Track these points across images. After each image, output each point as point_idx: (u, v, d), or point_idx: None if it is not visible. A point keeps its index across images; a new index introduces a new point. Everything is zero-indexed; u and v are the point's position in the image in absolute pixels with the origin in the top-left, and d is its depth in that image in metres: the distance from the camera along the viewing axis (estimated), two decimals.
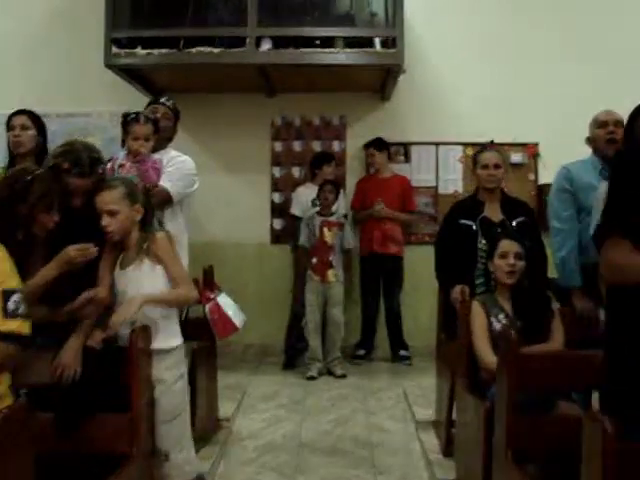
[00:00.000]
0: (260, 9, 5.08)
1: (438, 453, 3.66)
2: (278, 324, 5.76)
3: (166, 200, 3.48)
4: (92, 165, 2.68)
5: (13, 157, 3.63)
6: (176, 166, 3.58)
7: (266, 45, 5.13)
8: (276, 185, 6.25)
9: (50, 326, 2.52)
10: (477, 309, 3.14)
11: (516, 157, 6.04)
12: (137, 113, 3.48)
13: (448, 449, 3.58)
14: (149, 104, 3.90)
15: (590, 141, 3.68)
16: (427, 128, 6.11)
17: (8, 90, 5.75)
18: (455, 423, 3.47)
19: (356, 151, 6.19)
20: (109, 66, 5.21)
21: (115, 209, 2.64)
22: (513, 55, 6.03)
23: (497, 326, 3.08)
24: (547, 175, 5.75)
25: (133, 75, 5.53)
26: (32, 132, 3.61)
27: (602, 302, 2.82)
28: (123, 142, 3.59)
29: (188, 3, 5.15)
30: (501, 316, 3.11)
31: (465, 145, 6.09)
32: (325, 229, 5.37)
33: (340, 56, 5.17)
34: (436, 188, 6.17)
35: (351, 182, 6.12)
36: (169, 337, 2.75)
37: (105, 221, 2.63)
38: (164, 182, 3.47)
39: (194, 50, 5.11)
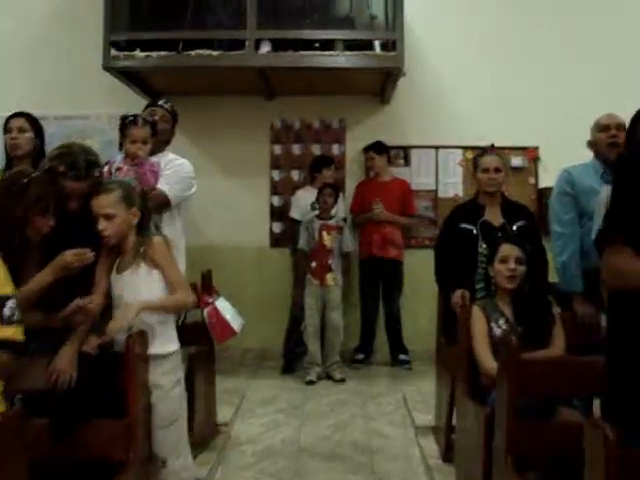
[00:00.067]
0: (259, 12, 5.06)
1: (438, 459, 3.64)
2: (277, 328, 5.73)
3: (164, 203, 3.46)
4: (88, 168, 2.66)
5: (10, 160, 3.63)
6: (174, 169, 3.55)
7: (265, 48, 5.11)
8: (275, 188, 6.22)
9: (45, 332, 2.50)
10: (477, 314, 3.11)
11: (516, 161, 6.02)
12: (135, 116, 3.46)
13: (448, 455, 3.56)
14: (147, 107, 3.88)
15: (592, 145, 3.66)
16: (427, 131, 6.09)
17: (7, 92, 5.73)
18: (455, 428, 3.45)
19: (356, 154, 6.17)
20: (107, 68, 5.19)
21: (111, 213, 2.61)
22: (513, 57, 6.02)
23: (497, 331, 3.05)
24: (547, 179, 5.73)
25: (132, 78, 5.51)
26: (29, 135, 3.61)
27: (603, 307, 2.81)
28: (121, 145, 3.57)
29: (187, 6, 5.13)
30: (501, 321, 3.08)
31: (465, 149, 6.06)
32: (324, 233, 5.35)
33: (340, 59, 5.15)
34: (436, 192, 6.15)
35: (350, 186, 6.09)
36: (166, 342, 2.73)
37: (101, 225, 2.60)
38: (162, 185, 3.45)
39: (193, 53, 5.10)
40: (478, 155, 3.96)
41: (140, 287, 2.64)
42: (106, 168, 3.39)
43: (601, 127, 3.61)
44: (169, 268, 2.69)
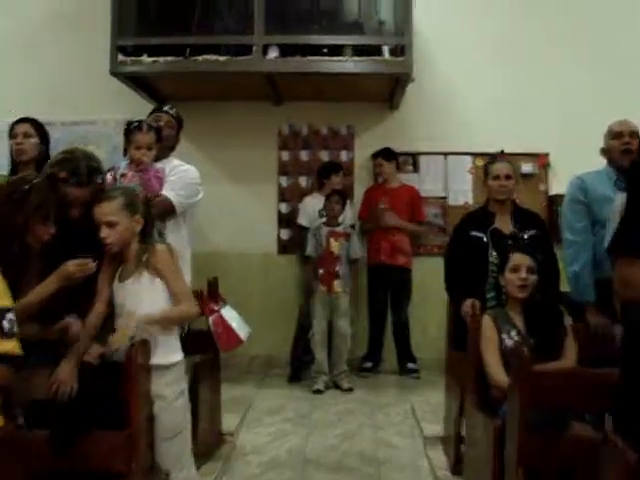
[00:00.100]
0: (267, 17, 5.02)
1: (446, 470, 3.58)
2: (284, 335, 5.68)
3: (168, 210, 3.41)
4: (90, 174, 2.62)
5: (16, 165, 3.62)
6: (179, 175, 3.50)
7: (273, 53, 5.07)
8: (283, 195, 6.17)
9: (45, 344, 2.46)
10: (488, 324, 3.05)
11: (526, 167, 5.95)
12: (140, 121, 3.42)
13: (457, 467, 3.50)
14: (152, 112, 3.84)
15: (605, 152, 3.60)
16: (436, 138, 6.03)
17: (13, 97, 5.70)
18: (464, 440, 3.39)
19: (364, 161, 6.12)
20: (115, 74, 5.16)
21: (114, 220, 2.57)
22: (523, 63, 5.95)
23: (508, 342, 2.99)
24: (558, 185, 5.68)
25: (139, 83, 5.48)
26: (35, 140, 3.59)
27: (617, 318, 2.75)
28: (125, 151, 3.53)
29: (194, 11, 5.10)
30: (513, 332, 3.02)
31: (474, 155, 6.00)
32: (332, 239, 5.30)
33: (348, 64, 5.10)
34: (445, 199, 6.09)
35: (359, 192, 6.04)
36: (169, 352, 2.67)
37: (104, 233, 2.56)
38: (166, 192, 3.40)
39: (200, 58, 5.06)
40: (489, 162, 3.90)
41: (142, 296, 2.60)
42: (111, 174, 3.36)
43: (614, 134, 3.55)
44: (173, 278, 2.64)
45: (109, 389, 2.48)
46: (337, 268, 5.29)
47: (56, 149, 3.29)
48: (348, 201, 5.65)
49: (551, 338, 3.00)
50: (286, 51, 5.10)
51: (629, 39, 5.84)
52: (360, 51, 5.14)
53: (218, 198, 5.70)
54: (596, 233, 3.44)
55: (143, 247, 2.64)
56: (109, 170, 3.43)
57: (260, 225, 6.12)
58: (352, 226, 5.62)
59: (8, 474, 2.09)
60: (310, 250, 5.38)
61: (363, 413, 4.67)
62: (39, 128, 3.62)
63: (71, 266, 2.44)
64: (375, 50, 5.13)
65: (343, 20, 5.34)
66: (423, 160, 6.11)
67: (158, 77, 5.40)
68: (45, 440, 2.38)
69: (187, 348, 2.88)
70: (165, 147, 3.58)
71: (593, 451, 2.06)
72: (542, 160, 6.02)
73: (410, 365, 5.71)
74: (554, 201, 5.72)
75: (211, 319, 3.63)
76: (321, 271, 5.30)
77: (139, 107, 5.45)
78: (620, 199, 2.47)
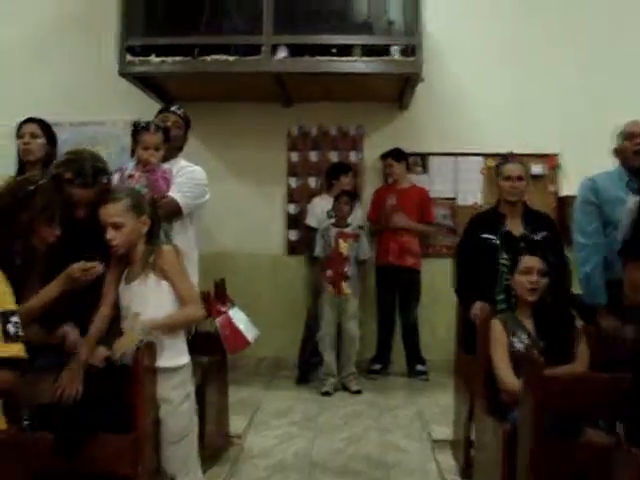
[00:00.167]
0: (276, 17, 4.99)
1: (456, 474, 3.55)
2: (292, 337, 5.65)
3: (175, 211, 3.38)
4: (95, 175, 2.60)
5: (23, 165, 3.61)
6: (186, 176, 3.48)
7: (282, 53, 5.03)
8: (292, 196, 6.15)
9: (50, 347, 2.44)
10: (498, 328, 3.01)
11: (536, 168, 5.87)
12: (147, 122, 3.40)
13: (466, 471, 3.46)
14: (159, 112, 3.81)
15: (617, 152, 3.56)
16: (446, 138, 5.99)
17: (21, 98, 5.69)
18: (474, 443, 3.35)
19: (373, 162, 6.08)
20: (123, 74, 5.14)
21: (120, 222, 2.54)
22: (534, 63, 5.90)
23: (519, 346, 2.95)
24: (568, 186, 5.64)
25: (147, 83, 5.46)
26: (42, 140, 3.59)
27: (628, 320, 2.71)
28: (133, 152, 3.51)
29: (203, 11, 5.07)
30: (523, 335, 2.98)
31: (485, 156, 5.95)
32: (341, 240, 5.26)
33: (357, 64, 5.06)
34: (455, 200, 6.05)
35: (368, 193, 6.01)
36: (175, 355, 2.65)
37: (110, 234, 2.53)
38: (173, 193, 3.37)
39: (209, 58, 5.03)
40: (500, 163, 3.87)
41: (149, 298, 2.57)
42: (117, 175, 3.34)
43: (626, 135, 3.52)
44: (179, 280, 2.61)
45: (115, 392, 2.45)
46: (346, 269, 5.25)
47: (64, 150, 3.28)
48: (357, 202, 5.63)
49: (562, 341, 2.96)
50: (295, 51, 5.06)
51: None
52: (369, 51, 5.09)
53: (227, 199, 5.69)
54: (608, 235, 3.40)
55: (149, 248, 2.61)
56: (117, 171, 3.42)
57: (269, 226, 6.10)
58: (361, 227, 5.58)
59: (12, 476, 2.07)
60: (318, 251, 5.36)
61: (371, 416, 4.64)
62: (46, 129, 3.62)
63: (76, 270, 2.42)
64: (384, 50, 5.09)
65: (352, 20, 5.31)
66: (433, 161, 6.07)
67: (166, 77, 5.38)
68: (50, 443, 2.36)
69: (194, 350, 2.86)
70: (173, 147, 3.55)
71: (606, 457, 2.03)
72: (552, 161, 5.97)
73: (419, 367, 5.67)
74: (564, 202, 5.67)
75: (218, 321, 3.60)
76: (330, 272, 5.27)
77: (148, 108, 5.42)
78: (632, 201, 2.43)
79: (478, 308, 3.45)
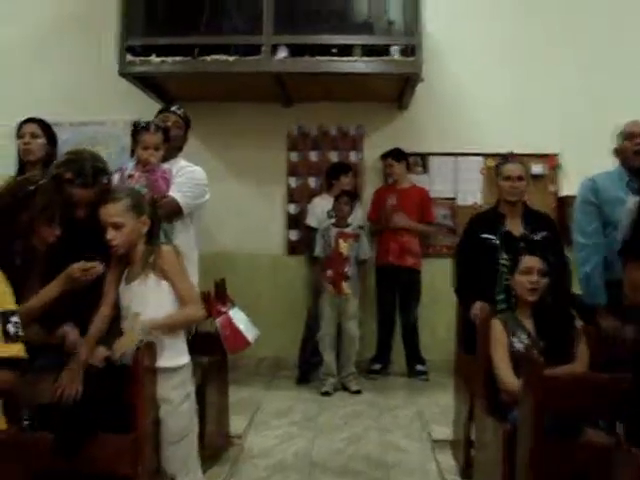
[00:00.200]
0: (276, 17, 4.98)
1: (456, 475, 3.55)
2: (292, 337, 5.65)
3: (175, 211, 3.38)
4: (95, 175, 2.59)
5: (23, 165, 3.60)
6: (186, 176, 3.47)
7: (282, 53, 5.03)
8: (292, 196, 6.14)
9: (50, 347, 2.43)
10: (498, 328, 3.01)
11: (536, 168, 5.87)
12: (147, 122, 3.40)
13: (467, 471, 3.46)
14: (159, 112, 3.80)
15: (617, 152, 3.56)
16: (446, 138, 5.98)
17: (21, 98, 5.68)
18: (474, 443, 3.35)
19: (373, 162, 6.08)
20: (123, 74, 5.14)
21: (120, 222, 2.54)
22: (534, 63, 5.90)
23: (518, 346, 2.95)
24: (568, 186, 5.64)
25: (147, 83, 5.46)
26: (42, 140, 3.58)
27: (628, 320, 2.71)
28: (132, 152, 3.51)
29: (203, 11, 5.06)
30: (523, 335, 2.98)
31: (485, 156, 5.95)
32: (341, 240, 5.26)
33: (357, 64, 5.06)
34: (454, 200, 6.05)
35: (368, 193, 6.01)
36: (175, 355, 2.64)
37: (110, 234, 2.53)
38: (174, 193, 3.37)
39: (209, 58, 5.02)
40: (500, 163, 3.87)
41: (149, 298, 2.57)
42: (117, 175, 3.34)
43: (626, 135, 3.52)
44: (179, 280, 2.61)
45: (115, 392, 2.45)
46: (346, 269, 5.25)
47: (65, 150, 3.27)
48: (357, 202, 5.62)
49: (561, 341, 2.96)
50: (295, 51, 5.06)
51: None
52: (369, 51, 5.09)
53: (227, 199, 5.69)
54: (607, 235, 3.40)
55: (149, 249, 2.61)
56: (117, 171, 3.42)
57: (269, 226, 6.10)
58: (361, 227, 5.57)
59: (12, 476, 2.07)
60: (319, 251, 5.35)
61: (371, 416, 4.64)
62: (46, 129, 3.61)
63: (76, 270, 2.42)
64: (384, 50, 5.08)
65: (352, 20, 5.30)
66: (433, 161, 6.07)
67: (166, 77, 5.37)
68: (50, 443, 2.36)
69: (195, 350, 2.86)
70: (172, 147, 3.55)
71: (606, 457, 2.02)
72: (552, 161, 5.96)
73: (419, 367, 5.67)
74: (564, 202, 5.66)
75: (218, 321, 3.60)
76: (330, 272, 5.26)
77: (148, 108, 5.41)
78: (632, 201, 2.43)
79: (478, 308, 3.46)
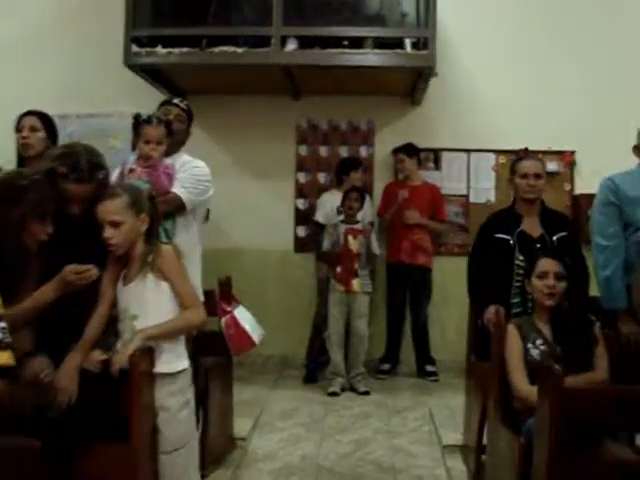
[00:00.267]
0: (286, 8, 4.86)
1: None
2: (299, 335, 5.56)
3: (179, 208, 3.27)
4: (91, 170, 2.47)
5: (22, 160, 3.47)
6: (189, 172, 3.35)
7: (291, 45, 4.92)
8: (301, 191, 6.04)
9: (48, 348, 2.34)
10: (513, 333, 2.89)
11: (551, 165, 5.71)
12: (149, 115, 3.28)
13: (478, 477, 3.34)
14: (161, 105, 3.67)
15: (638, 150, 3.41)
16: (459, 134, 5.87)
17: (27, 89, 5.58)
18: (485, 449, 3.23)
19: (384, 157, 5.97)
20: (129, 65, 5.04)
21: (118, 220, 2.42)
22: (550, 58, 5.77)
23: (534, 352, 2.83)
24: (583, 184, 5.51)
25: (154, 75, 5.35)
26: (41, 134, 3.45)
27: None
28: (134, 146, 3.39)
29: (211, 1, 4.96)
30: (539, 341, 2.85)
31: (498, 153, 5.84)
32: (350, 237, 5.14)
33: (369, 57, 4.95)
34: (467, 197, 5.92)
35: (378, 188, 5.90)
36: (174, 360, 2.52)
37: (108, 233, 2.42)
38: (176, 188, 3.25)
39: (217, 50, 4.92)
40: (516, 160, 3.73)
41: (147, 299, 2.45)
42: (118, 170, 3.23)
43: None
44: (179, 282, 2.50)
45: (110, 398, 2.34)
46: (355, 266, 5.14)
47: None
48: (367, 198, 5.50)
49: (580, 347, 2.84)
50: (305, 43, 4.95)
51: None
52: (382, 44, 4.98)
53: (234, 194, 5.62)
54: (628, 237, 3.27)
55: (148, 248, 2.49)
56: (120, 165, 3.31)
57: (277, 222, 6.00)
58: (371, 223, 5.47)
59: None
60: (327, 247, 5.24)
61: (379, 418, 4.53)
62: (46, 121, 3.48)
63: (70, 274, 2.32)
64: (397, 43, 4.97)
65: (364, 12, 5.19)
66: (445, 157, 5.96)
67: (173, 69, 5.27)
68: (41, 450, 2.25)
69: (199, 350, 2.76)
70: (175, 142, 3.42)
71: (625, 472, 1.92)
72: (567, 158, 5.83)
73: (428, 367, 5.57)
74: (580, 201, 5.53)
75: (223, 320, 3.52)
76: (339, 269, 5.15)
77: (155, 100, 5.25)
78: None
79: (492, 312, 3.31)
